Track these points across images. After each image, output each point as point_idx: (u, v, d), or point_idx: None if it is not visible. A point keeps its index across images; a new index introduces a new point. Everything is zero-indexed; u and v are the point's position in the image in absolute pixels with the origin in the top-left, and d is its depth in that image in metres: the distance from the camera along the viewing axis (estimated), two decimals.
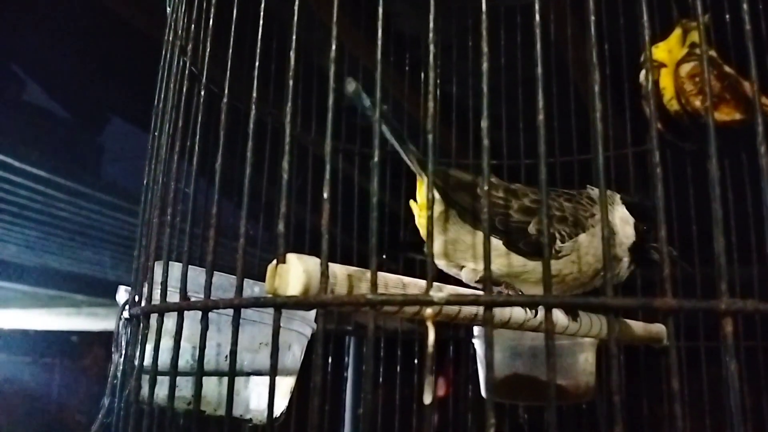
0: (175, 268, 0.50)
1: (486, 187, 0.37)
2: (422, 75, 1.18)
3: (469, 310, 0.53)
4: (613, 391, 0.35)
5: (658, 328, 0.90)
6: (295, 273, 0.39)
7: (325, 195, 0.39)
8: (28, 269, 2.18)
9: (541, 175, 0.37)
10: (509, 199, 0.67)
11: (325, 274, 0.38)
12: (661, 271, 0.36)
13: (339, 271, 0.42)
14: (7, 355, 3.24)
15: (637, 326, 0.84)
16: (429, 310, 0.36)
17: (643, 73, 0.97)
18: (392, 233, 1.06)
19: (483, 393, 0.97)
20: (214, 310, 0.54)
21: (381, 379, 1.13)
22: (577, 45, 1.18)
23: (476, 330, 0.96)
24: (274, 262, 0.40)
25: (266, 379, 0.59)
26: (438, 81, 1.17)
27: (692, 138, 0.94)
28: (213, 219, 0.44)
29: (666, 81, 0.94)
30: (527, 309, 0.57)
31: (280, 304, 0.39)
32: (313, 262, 0.40)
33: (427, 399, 0.36)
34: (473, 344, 1.02)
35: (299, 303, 0.39)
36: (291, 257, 0.40)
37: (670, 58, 0.95)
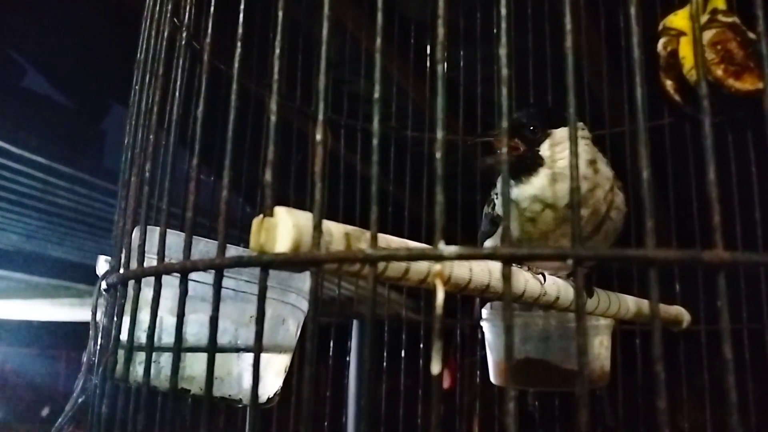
0: (155, 233, 0.45)
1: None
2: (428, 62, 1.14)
3: (481, 279, 0.48)
4: (655, 359, 0.30)
5: (678, 310, 0.85)
6: (284, 228, 0.35)
7: (318, 137, 0.34)
8: (29, 259, 2.14)
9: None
10: None
11: (318, 228, 0.33)
12: (710, 219, 0.31)
13: (335, 228, 0.37)
14: (13, 347, 3.22)
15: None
16: (437, 266, 0.31)
17: (661, 42, 0.91)
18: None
19: (492, 379, 0.92)
20: (202, 282, 0.49)
21: (385, 367, 1.08)
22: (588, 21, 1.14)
23: (484, 313, 0.91)
24: (260, 216, 0.35)
25: (263, 357, 0.54)
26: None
27: (714, 109, 0.88)
28: (193, 172, 0.39)
29: (686, 50, 0.89)
30: (537, 276, 0.53)
31: (266, 263, 0.34)
32: (305, 217, 0.35)
33: (435, 369, 0.31)
34: (481, 329, 0.97)
35: (288, 261, 0.34)
36: (279, 210, 0.35)
37: (689, 26, 0.89)
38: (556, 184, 0.64)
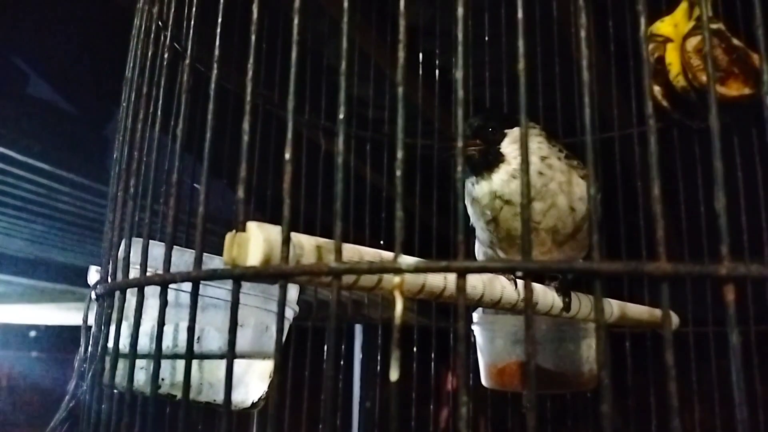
0: (140, 244, 0.47)
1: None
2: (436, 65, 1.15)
3: (436, 282, 0.49)
4: (600, 366, 0.32)
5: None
6: (255, 242, 0.36)
7: (287, 156, 0.36)
8: (34, 264, 2.17)
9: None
10: None
11: (286, 242, 0.35)
12: (654, 233, 0.33)
13: (306, 241, 0.39)
14: (20, 351, 3.25)
15: (642, 310, 0.80)
16: (396, 279, 0.33)
17: (648, 48, 0.93)
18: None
19: (483, 382, 0.94)
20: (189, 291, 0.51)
21: (379, 370, 1.10)
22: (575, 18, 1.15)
23: (476, 317, 0.93)
24: (233, 231, 0.37)
25: (246, 363, 0.56)
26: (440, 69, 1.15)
27: (700, 115, 0.89)
28: (173, 189, 0.41)
29: (672, 56, 0.90)
30: (516, 284, 0.54)
31: (238, 276, 0.36)
32: (275, 231, 0.37)
33: (394, 376, 0.32)
34: (472, 332, 0.99)
35: (258, 274, 0.35)
36: (251, 225, 0.37)
37: (676, 33, 0.91)
38: (514, 180, 0.67)
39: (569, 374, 0.85)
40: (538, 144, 0.70)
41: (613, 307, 0.74)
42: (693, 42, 0.88)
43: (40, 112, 1.65)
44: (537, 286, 0.62)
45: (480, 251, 0.79)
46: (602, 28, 1.09)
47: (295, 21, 0.36)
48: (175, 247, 0.47)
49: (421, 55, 1.17)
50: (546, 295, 0.62)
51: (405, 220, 0.33)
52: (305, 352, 0.92)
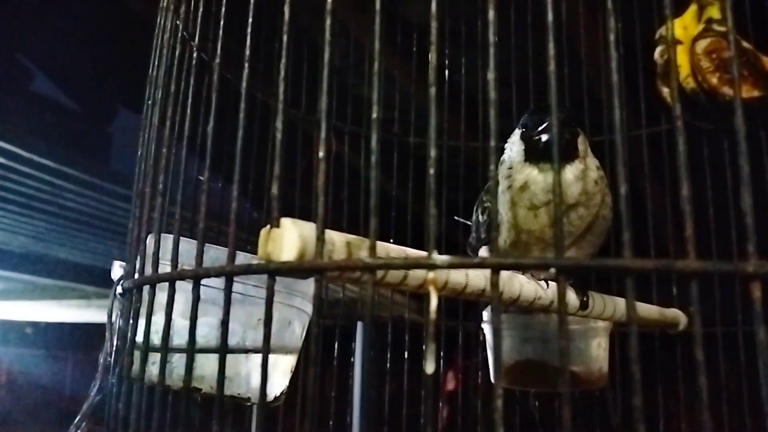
0: (169, 240, 0.48)
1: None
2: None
3: (476, 283, 0.50)
4: (633, 360, 0.33)
5: (674, 312, 0.87)
6: (289, 238, 0.37)
7: (321, 154, 0.36)
8: (37, 260, 2.17)
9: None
10: None
11: (321, 238, 0.36)
12: (683, 231, 0.34)
13: (337, 238, 0.40)
14: (20, 348, 3.25)
15: (652, 310, 0.81)
16: (431, 274, 0.34)
17: (658, 50, 0.94)
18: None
19: (492, 380, 0.94)
20: (212, 286, 0.52)
21: (388, 368, 1.10)
22: (588, 26, 1.16)
23: (485, 315, 0.94)
24: (267, 227, 0.38)
25: (269, 357, 0.57)
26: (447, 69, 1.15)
27: (709, 117, 0.90)
28: (204, 184, 0.41)
29: (681, 58, 0.91)
30: (540, 282, 0.55)
31: (273, 270, 0.36)
32: (309, 227, 0.38)
33: (429, 368, 0.33)
34: (482, 330, 0.99)
35: (294, 269, 0.36)
36: (285, 221, 0.38)
37: (685, 35, 0.92)
38: (579, 181, 0.66)
39: (579, 373, 0.86)
40: (590, 151, 0.70)
41: (624, 307, 0.75)
42: (702, 44, 0.89)
43: (45, 110, 1.65)
44: (554, 285, 0.63)
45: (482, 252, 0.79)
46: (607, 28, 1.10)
47: (326, 52, 0.37)
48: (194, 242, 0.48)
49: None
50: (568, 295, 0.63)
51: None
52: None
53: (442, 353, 1.08)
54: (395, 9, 1.29)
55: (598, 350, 0.86)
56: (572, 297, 0.66)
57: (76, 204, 1.74)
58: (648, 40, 0.94)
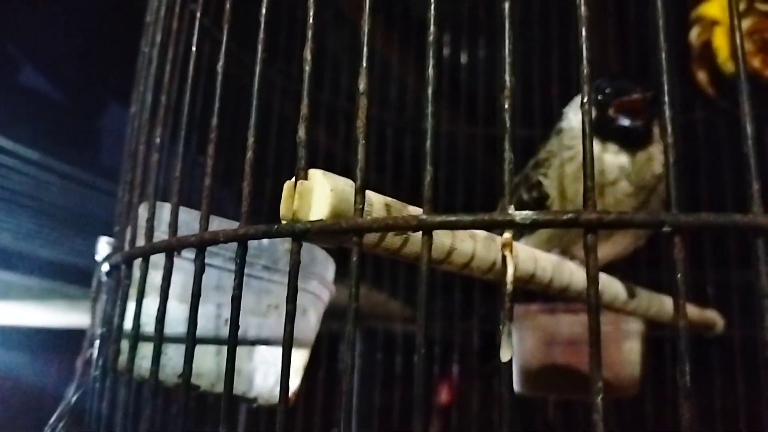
0: (164, 209, 0.40)
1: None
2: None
3: (525, 267, 0.43)
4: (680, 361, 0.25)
5: (712, 314, 0.80)
6: (320, 192, 0.30)
7: (361, 87, 0.29)
8: (20, 258, 2.08)
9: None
10: None
11: (360, 192, 0.28)
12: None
13: (375, 197, 0.32)
14: (3, 351, 3.15)
15: (692, 309, 0.74)
16: (507, 235, 0.26)
17: (693, 31, 0.87)
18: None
19: (516, 387, 0.87)
20: (214, 265, 0.44)
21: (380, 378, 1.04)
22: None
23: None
24: (292, 180, 0.30)
25: (274, 350, 0.49)
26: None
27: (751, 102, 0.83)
28: (212, 133, 0.34)
29: (720, 40, 0.84)
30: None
31: (300, 233, 0.29)
32: (344, 181, 0.30)
33: (506, 356, 0.26)
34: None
35: (326, 229, 0.29)
36: (315, 173, 0.30)
37: (724, 15, 0.85)
38: (648, 164, 0.59)
39: (609, 379, 0.79)
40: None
41: (669, 305, 0.68)
42: (745, 24, 0.82)
43: (31, 101, 1.58)
44: (601, 274, 0.56)
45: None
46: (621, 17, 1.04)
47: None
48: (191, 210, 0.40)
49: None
50: (612, 284, 0.55)
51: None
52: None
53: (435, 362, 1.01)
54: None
55: (629, 354, 0.79)
56: (620, 289, 0.58)
57: (62, 199, 1.66)
58: (684, 20, 0.87)
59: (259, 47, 0.33)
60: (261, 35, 0.33)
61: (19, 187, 1.56)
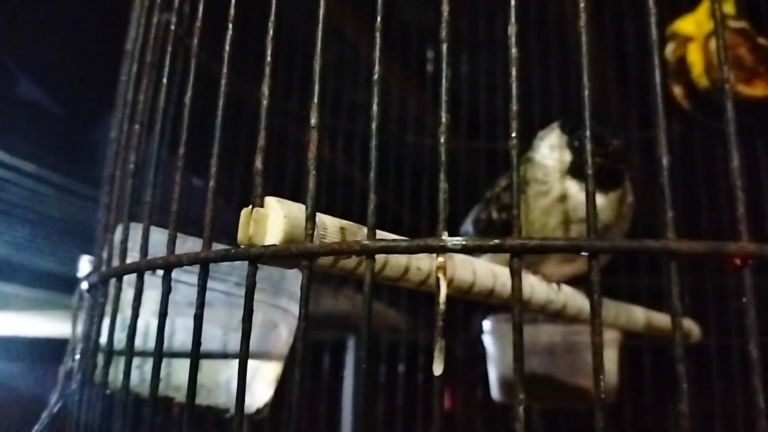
0: (140, 230, 0.43)
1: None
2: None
3: (485, 282, 0.45)
4: (676, 360, 0.28)
5: (688, 323, 0.82)
6: (274, 219, 0.32)
7: (313, 121, 0.31)
8: (17, 269, 2.11)
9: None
10: None
11: (311, 219, 0.30)
12: (735, 210, 0.29)
13: (329, 221, 0.35)
14: (1, 361, 3.17)
15: (664, 319, 0.76)
16: (440, 259, 0.29)
17: (669, 47, 0.89)
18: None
19: (495, 395, 0.89)
20: (190, 283, 0.46)
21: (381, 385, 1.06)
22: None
23: (486, 325, 0.89)
24: (249, 207, 0.33)
25: (250, 363, 0.51)
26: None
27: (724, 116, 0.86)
28: (180, 161, 0.36)
29: (694, 55, 0.86)
30: (551, 285, 0.50)
31: (255, 256, 0.31)
32: (297, 207, 0.33)
33: (438, 369, 0.28)
34: (482, 342, 0.94)
35: (279, 254, 0.31)
36: (270, 200, 0.33)
37: (698, 31, 0.87)
38: (623, 201, 0.62)
39: (586, 387, 0.81)
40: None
41: (639, 314, 0.70)
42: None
43: (28, 113, 1.60)
44: (566, 287, 0.58)
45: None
46: (601, 28, 1.06)
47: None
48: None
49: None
50: (575, 298, 0.58)
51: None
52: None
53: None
54: (393, 13, 1.25)
55: (607, 363, 0.81)
56: (584, 302, 0.61)
57: (59, 211, 1.69)
58: (644, 38, 0.90)
59: (224, 73, 0.35)
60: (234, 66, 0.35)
61: (16, 199, 1.58)
